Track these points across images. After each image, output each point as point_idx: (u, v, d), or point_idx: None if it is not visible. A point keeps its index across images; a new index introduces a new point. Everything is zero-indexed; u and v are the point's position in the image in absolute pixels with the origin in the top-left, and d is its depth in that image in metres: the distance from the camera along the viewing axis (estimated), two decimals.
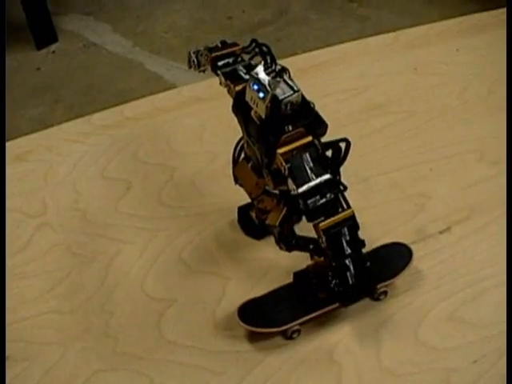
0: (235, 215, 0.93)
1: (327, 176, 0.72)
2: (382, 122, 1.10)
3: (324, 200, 0.71)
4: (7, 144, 1.06)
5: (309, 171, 0.71)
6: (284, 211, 0.78)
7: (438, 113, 1.12)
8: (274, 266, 0.88)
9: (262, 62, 0.71)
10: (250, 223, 0.92)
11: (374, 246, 0.86)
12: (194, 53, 0.83)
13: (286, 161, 0.71)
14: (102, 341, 0.81)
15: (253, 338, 0.80)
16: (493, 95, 1.15)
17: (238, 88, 0.78)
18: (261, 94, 0.69)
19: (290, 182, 0.71)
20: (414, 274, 0.87)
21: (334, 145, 0.73)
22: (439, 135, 1.08)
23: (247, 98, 0.72)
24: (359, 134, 1.07)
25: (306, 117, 0.72)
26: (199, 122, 1.10)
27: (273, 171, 0.75)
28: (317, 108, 0.72)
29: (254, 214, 0.91)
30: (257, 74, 0.70)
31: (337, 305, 0.80)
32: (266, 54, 0.74)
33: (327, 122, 0.72)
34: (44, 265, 0.89)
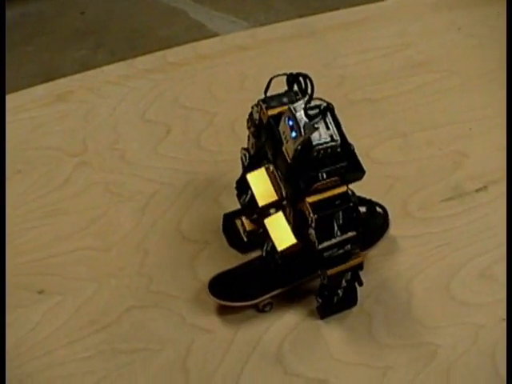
0: None
1: (352, 233, 0.67)
2: (421, 79, 1.10)
3: (341, 251, 0.68)
4: (49, 84, 1.07)
5: (335, 227, 0.66)
6: (297, 245, 0.73)
7: (477, 74, 1.12)
8: None
9: (306, 98, 0.64)
10: (236, 233, 0.86)
11: (410, 199, 0.87)
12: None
13: (314, 211, 0.65)
14: (136, 279, 0.83)
15: None
16: None
17: (272, 112, 0.69)
18: (293, 134, 0.62)
19: (312, 232, 0.67)
20: (449, 230, 0.88)
21: (370, 206, 0.70)
22: (478, 96, 1.07)
23: (280, 129, 0.65)
24: (399, 90, 1.06)
25: (343, 160, 0.65)
26: (241, 70, 1.10)
27: (297, 209, 0.69)
28: (356, 151, 0.67)
29: (240, 224, 0.84)
30: (295, 109, 0.62)
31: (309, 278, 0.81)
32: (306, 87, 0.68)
33: (365, 169, 0.66)
34: (81, 202, 0.91)
